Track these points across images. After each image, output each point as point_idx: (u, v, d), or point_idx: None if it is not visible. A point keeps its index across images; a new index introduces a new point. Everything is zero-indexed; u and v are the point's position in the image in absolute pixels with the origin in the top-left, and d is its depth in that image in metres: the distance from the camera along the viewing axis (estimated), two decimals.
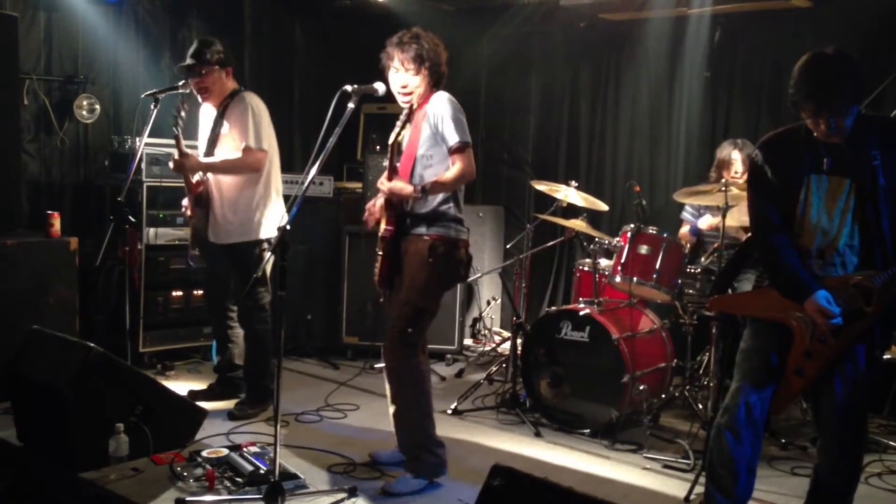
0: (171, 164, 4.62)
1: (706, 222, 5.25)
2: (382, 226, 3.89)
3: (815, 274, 3.03)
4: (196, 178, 4.67)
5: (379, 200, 3.97)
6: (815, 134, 3.00)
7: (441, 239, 3.79)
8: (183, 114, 4.57)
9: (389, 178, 3.79)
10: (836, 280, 3.01)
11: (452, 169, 3.73)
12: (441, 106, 3.75)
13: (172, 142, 5.08)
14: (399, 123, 3.80)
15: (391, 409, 3.92)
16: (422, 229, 3.80)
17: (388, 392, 3.94)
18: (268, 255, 3.37)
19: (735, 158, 5.12)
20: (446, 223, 3.81)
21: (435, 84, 3.84)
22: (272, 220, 4.70)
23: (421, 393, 3.88)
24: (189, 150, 4.59)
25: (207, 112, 4.80)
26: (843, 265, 3.04)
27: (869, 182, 2.96)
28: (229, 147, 4.61)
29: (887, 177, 2.94)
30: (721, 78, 6.26)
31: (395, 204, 3.83)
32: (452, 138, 3.71)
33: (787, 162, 3.07)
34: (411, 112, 3.85)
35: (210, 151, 4.67)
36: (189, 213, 4.75)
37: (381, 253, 3.91)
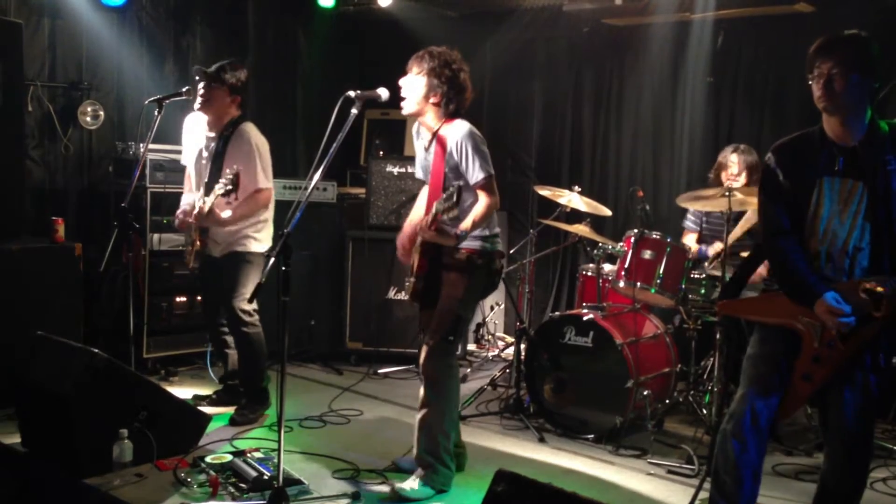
0: (191, 220, 4.59)
1: (715, 250, 5.21)
2: (416, 264, 3.91)
3: (824, 277, 3.03)
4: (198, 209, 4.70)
5: (408, 230, 4.02)
6: (827, 132, 3.03)
7: (478, 252, 3.87)
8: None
9: (430, 227, 3.70)
10: (845, 285, 3.00)
11: (480, 205, 3.76)
12: (463, 140, 3.76)
13: (176, 148, 5.10)
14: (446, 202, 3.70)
15: (419, 415, 3.92)
16: (461, 244, 3.83)
17: (420, 396, 3.95)
18: (271, 260, 3.36)
19: (732, 161, 5.10)
20: (482, 238, 3.87)
21: (442, 106, 3.81)
22: (268, 239, 4.78)
23: (452, 403, 3.94)
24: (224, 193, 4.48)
25: (199, 126, 4.80)
26: (852, 268, 3.03)
27: (882, 186, 2.97)
28: (235, 176, 4.60)
29: None
30: (724, 83, 6.26)
31: (428, 249, 3.87)
32: (478, 175, 3.75)
33: (800, 165, 3.07)
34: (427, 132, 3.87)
35: (214, 181, 4.61)
36: (198, 244, 4.74)
37: (413, 279, 3.94)
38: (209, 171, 4.71)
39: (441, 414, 3.87)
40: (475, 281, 3.89)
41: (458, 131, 3.79)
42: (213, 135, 4.74)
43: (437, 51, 3.83)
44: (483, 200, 3.77)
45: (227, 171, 4.40)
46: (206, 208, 4.48)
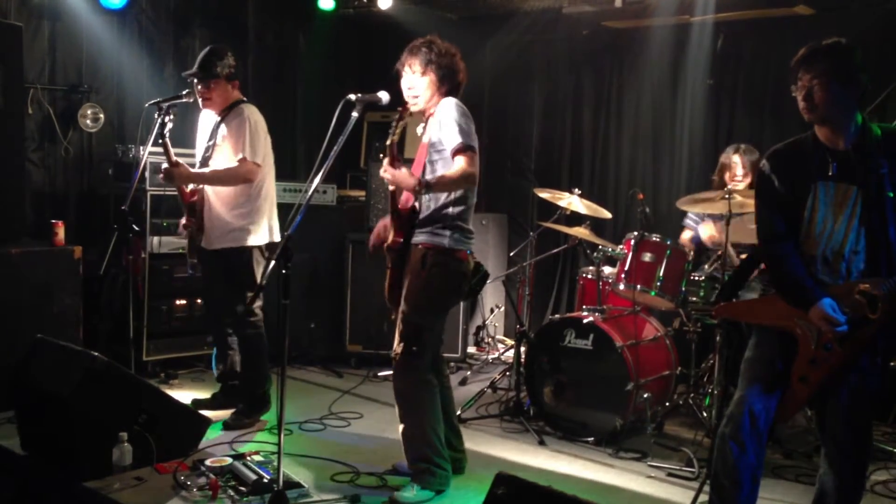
0: (160, 176, 4.60)
1: (706, 232, 5.21)
2: (391, 237, 3.84)
3: (820, 281, 3.04)
4: (190, 186, 4.68)
5: (387, 217, 3.96)
6: (819, 137, 3.06)
7: (433, 248, 3.73)
8: (169, 123, 4.52)
9: (393, 166, 3.70)
10: (841, 288, 3.02)
11: (454, 167, 3.65)
12: (445, 111, 3.73)
13: (177, 151, 5.10)
14: (396, 120, 3.71)
15: (399, 428, 3.89)
16: (418, 238, 3.78)
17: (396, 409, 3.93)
18: (271, 263, 3.35)
19: (735, 162, 5.10)
20: (441, 231, 3.74)
21: (448, 92, 3.83)
22: (264, 230, 4.72)
23: (429, 413, 3.84)
24: (178, 160, 4.57)
25: (207, 119, 4.81)
26: (848, 272, 3.04)
27: (875, 189, 2.98)
28: (224, 158, 4.62)
29: (894, 186, 2.96)
30: (724, 85, 6.27)
31: (402, 215, 3.80)
32: (454, 140, 3.65)
33: (795, 171, 3.09)
34: (403, 115, 3.79)
35: (205, 162, 4.67)
36: (185, 222, 4.73)
37: (389, 266, 3.88)
38: (205, 147, 4.72)
39: (418, 427, 3.82)
40: (429, 284, 3.73)
41: (442, 106, 3.76)
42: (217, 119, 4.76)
43: (428, 42, 3.81)
44: (459, 163, 3.63)
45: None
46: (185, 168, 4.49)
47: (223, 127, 4.64)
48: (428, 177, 3.71)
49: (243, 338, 4.77)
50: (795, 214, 3.08)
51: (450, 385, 4.21)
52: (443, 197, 3.75)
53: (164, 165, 4.49)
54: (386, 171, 3.70)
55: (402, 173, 3.66)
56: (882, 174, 2.96)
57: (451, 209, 3.75)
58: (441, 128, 3.71)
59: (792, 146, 3.16)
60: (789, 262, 3.07)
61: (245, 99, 4.77)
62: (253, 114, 4.64)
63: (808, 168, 3.06)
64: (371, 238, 4.11)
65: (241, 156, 4.53)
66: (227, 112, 4.67)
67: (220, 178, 4.60)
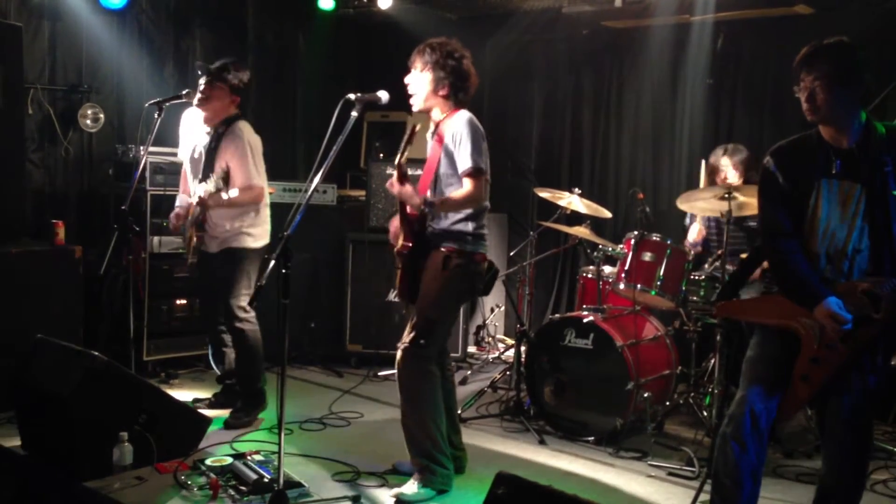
0: (195, 201, 4.66)
1: (693, 233, 5.22)
2: (400, 241, 3.90)
3: (825, 279, 3.03)
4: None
5: (396, 219, 4.00)
6: (823, 135, 3.05)
7: (456, 251, 3.81)
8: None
9: (401, 184, 3.76)
10: (844, 286, 3.01)
11: (461, 190, 3.74)
12: (462, 127, 3.76)
13: (176, 150, 5.12)
14: (404, 141, 3.76)
15: (402, 421, 3.91)
16: (438, 242, 3.83)
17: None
18: (271, 263, 3.36)
19: (725, 164, 5.10)
20: (462, 237, 3.82)
21: (451, 97, 3.84)
22: (261, 233, 4.80)
23: (430, 404, 3.86)
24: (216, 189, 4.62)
25: (195, 122, 4.82)
26: (851, 270, 3.03)
27: (879, 187, 2.98)
28: (225, 172, 4.65)
29: None
30: (724, 85, 6.27)
31: (411, 221, 3.85)
32: (466, 162, 3.72)
33: (799, 168, 3.09)
34: (412, 139, 3.82)
35: (209, 165, 4.67)
36: (195, 239, 4.79)
37: (399, 268, 3.93)
38: (202, 166, 4.74)
39: (419, 420, 3.85)
40: (449, 283, 3.81)
41: (457, 120, 3.80)
42: (209, 130, 4.76)
43: (437, 42, 3.84)
44: (467, 187, 3.72)
45: (218, 168, 4.46)
46: (212, 189, 4.50)
47: (223, 145, 4.67)
48: (444, 192, 3.77)
49: (235, 333, 4.78)
50: (799, 211, 3.07)
51: (453, 380, 4.24)
52: (459, 214, 3.81)
53: (200, 194, 4.58)
54: (393, 188, 3.76)
55: (409, 191, 3.72)
56: (886, 172, 2.96)
57: (470, 222, 3.83)
58: (455, 144, 3.76)
59: (796, 143, 3.15)
60: (794, 259, 3.05)
61: (241, 115, 4.79)
62: (251, 136, 4.72)
63: (812, 165, 3.06)
64: (391, 238, 4.12)
65: (250, 182, 4.64)
66: (223, 129, 4.70)
67: (240, 202, 4.67)
